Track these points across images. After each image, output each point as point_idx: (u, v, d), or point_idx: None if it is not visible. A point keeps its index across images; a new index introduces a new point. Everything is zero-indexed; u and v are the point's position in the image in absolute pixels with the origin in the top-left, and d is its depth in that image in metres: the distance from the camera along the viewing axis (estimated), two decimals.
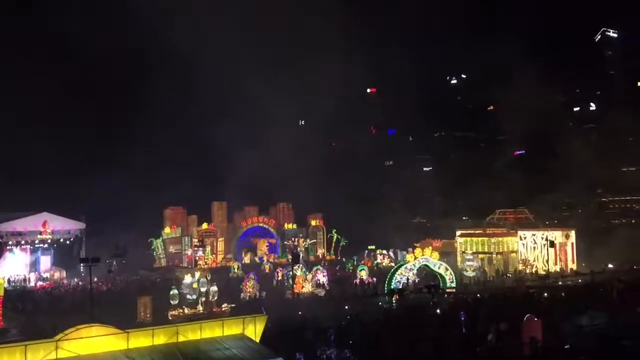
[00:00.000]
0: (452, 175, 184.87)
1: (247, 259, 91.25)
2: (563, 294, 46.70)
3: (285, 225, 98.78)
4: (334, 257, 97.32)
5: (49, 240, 75.54)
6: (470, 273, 71.35)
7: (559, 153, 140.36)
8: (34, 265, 78.64)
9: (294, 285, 55.55)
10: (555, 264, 75.50)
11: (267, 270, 72.79)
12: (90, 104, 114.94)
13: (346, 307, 43.78)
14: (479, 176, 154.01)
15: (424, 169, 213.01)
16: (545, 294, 46.09)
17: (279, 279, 64.33)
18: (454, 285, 57.93)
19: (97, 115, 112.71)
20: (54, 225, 75.03)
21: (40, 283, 70.59)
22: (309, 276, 60.38)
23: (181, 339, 23.29)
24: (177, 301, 47.85)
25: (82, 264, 59.84)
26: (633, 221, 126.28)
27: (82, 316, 33.13)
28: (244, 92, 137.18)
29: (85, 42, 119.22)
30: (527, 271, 74.17)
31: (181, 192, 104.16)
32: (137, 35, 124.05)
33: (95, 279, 60.29)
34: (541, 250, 76.23)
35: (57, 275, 75.23)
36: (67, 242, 77.74)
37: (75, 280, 71.06)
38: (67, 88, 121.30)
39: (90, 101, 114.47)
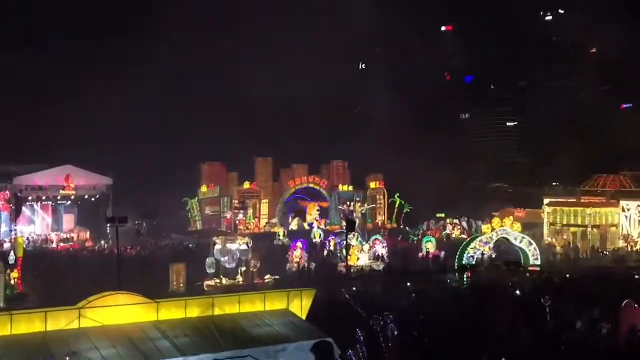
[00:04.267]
0: (542, 132, 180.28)
1: (294, 225, 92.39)
2: None
3: (340, 186, 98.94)
4: (395, 225, 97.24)
5: (73, 197, 77.99)
6: (558, 249, 70.25)
7: None
8: (56, 224, 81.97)
9: (348, 257, 55.90)
10: None
11: (317, 239, 73.55)
12: (118, 49, 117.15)
13: (408, 284, 43.87)
14: (575, 133, 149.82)
15: (507, 123, 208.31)
16: None
17: (331, 248, 64.88)
18: (538, 262, 57.20)
19: (129, 61, 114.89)
20: (78, 180, 77.06)
21: (62, 244, 73.62)
22: (366, 247, 60.62)
23: (217, 312, 23.92)
24: (213, 270, 49.04)
25: (108, 225, 61.88)
26: None
27: (108, 282, 34.46)
28: (294, 30, 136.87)
29: None
30: (630, 249, 72.41)
31: (220, 145, 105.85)
32: None
33: (123, 242, 62.49)
34: None
35: (81, 235, 78.20)
36: (92, 199, 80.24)
37: (101, 242, 73.73)
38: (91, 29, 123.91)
39: (118, 46, 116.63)
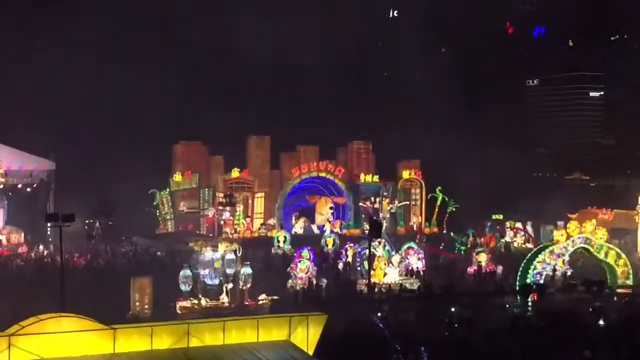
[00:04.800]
0: (637, 106, 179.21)
1: (299, 228, 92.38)
2: None
3: (362, 176, 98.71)
4: (436, 230, 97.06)
5: (1, 186, 78.14)
6: None
7: None
8: None
9: (372, 272, 55.88)
10: None
11: (329, 247, 73.45)
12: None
13: (452, 310, 43.80)
14: None
15: (591, 93, 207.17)
16: None
17: (348, 260, 64.76)
18: (630, 282, 56.90)
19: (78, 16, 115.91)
20: (10, 162, 77.10)
21: None
22: (396, 258, 60.43)
23: (194, 342, 23.93)
24: (189, 287, 49.01)
25: (49, 224, 61.89)
26: None
27: (48, 302, 34.59)
28: None
29: None
30: None
31: (201, 119, 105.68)
32: None
33: (69, 248, 62.60)
34: None
35: (12, 238, 78.35)
36: (28, 189, 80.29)
37: (40, 247, 73.88)
38: None
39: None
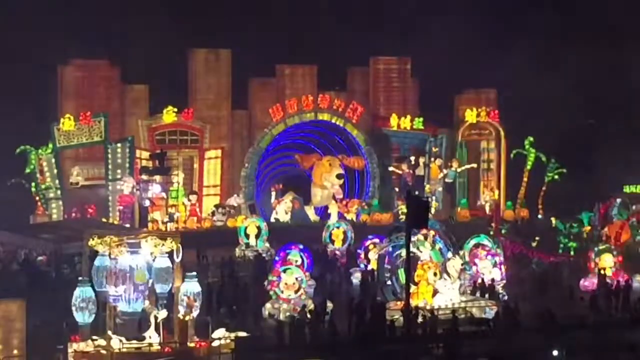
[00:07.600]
0: None
1: (283, 212, 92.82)
2: None
3: (394, 120, 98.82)
4: (526, 213, 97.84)
5: None
6: None
7: None
8: None
9: (413, 288, 55.85)
10: None
11: (337, 245, 73.71)
12: None
13: (555, 355, 43.93)
14: None
15: None
16: None
17: (371, 268, 64.91)
18: None
19: None
20: None
21: None
22: (455, 264, 60.41)
23: None
24: (91, 317, 49.13)
25: None
26: None
27: None
28: None
29: None
30: None
31: (109, 28, 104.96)
32: None
33: None
34: None
35: None
36: None
37: None
38: None
39: None
